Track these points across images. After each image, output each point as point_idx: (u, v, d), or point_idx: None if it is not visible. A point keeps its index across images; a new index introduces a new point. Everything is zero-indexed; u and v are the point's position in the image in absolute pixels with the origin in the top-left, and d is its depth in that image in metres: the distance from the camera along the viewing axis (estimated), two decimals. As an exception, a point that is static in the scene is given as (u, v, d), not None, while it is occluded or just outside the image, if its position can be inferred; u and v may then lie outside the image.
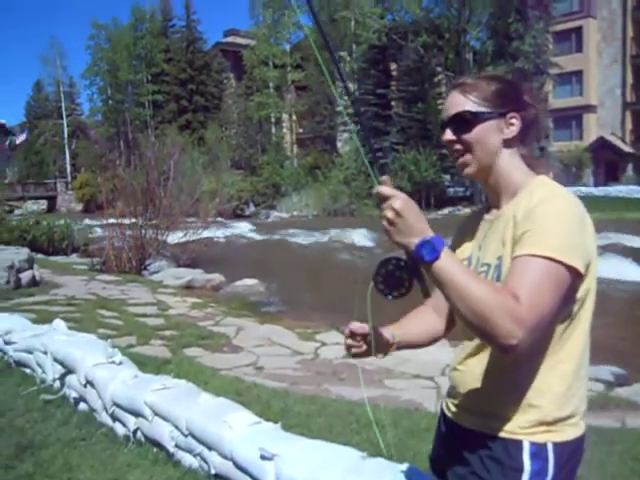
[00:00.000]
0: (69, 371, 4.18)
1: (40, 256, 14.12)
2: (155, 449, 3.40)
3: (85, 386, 3.95)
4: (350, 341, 1.44)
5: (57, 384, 4.30)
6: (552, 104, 35.09)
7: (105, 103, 58.05)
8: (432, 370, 5.36)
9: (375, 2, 39.07)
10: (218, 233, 22.10)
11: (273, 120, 48.72)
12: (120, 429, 3.66)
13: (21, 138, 63.18)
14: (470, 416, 1.40)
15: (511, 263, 1.25)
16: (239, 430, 2.99)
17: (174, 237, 15.12)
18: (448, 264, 1.16)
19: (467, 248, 1.50)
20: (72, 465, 3.22)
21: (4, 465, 3.20)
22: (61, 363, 4.25)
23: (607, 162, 38.62)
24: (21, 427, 3.73)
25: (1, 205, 23.19)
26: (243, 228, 28.32)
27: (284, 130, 49.05)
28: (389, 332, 1.51)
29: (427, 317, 1.62)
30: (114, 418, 3.70)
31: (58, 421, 3.82)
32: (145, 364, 4.95)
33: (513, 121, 1.39)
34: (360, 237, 20.91)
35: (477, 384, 1.38)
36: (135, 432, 3.55)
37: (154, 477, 3.08)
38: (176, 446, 3.28)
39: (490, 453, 1.32)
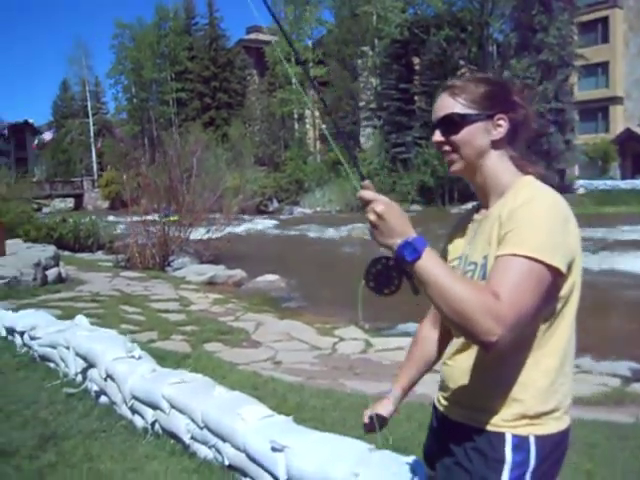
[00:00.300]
0: (90, 365, 4.31)
1: (66, 253, 14.41)
2: (172, 441, 3.51)
3: (105, 380, 4.07)
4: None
5: (79, 378, 4.44)
6: (577, 96, 34.61)
7: (130, 101, 58.81)
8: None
9: (396, -4, 38.85)
10: (241, 229, 22.26)
11: (296, 116, 48.80)
12: (139, 421, 3.77)
13: (48, 137, 64.17)
14: (459, 409, 1.44)
15: (494, 262, 1.28)
16: (252, 423, 3.07)
17: (197, 233, 15.30)
18: (429, 264, 1.19)
19: (459, 247, 1.54)
20: (93, 455, 3.34)
21: (28, 455, 3.33)
22: (83, 358, 4.39)
23: (634, 155, 37.87)
24: (45, 419, 3.87)
25: (29, 203, 23.57)
26: (266, 224, 28.50)
27: (307, 126, 49.09)
28: (387, 406, 1.70)
29: (423, 346, 1.72)
30: (133, 411, 3.82)
31: (80, 413, 3.95)
32: (165, 358, 5.07)
33: (501, 122, 1.41)
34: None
35: (465, 379, 1.42)
36: (153, 424, 3.65)
37: (170, 468, 3.18)
38: (192, 438, 3.38)
39: (474, 445, 1.36)
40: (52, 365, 4.91)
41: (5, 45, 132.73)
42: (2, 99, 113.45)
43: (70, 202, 51.77)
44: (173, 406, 3.50)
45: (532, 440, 1.32)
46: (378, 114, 41.77)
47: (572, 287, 1.34)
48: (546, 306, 1.29)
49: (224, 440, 3.14)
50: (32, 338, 5.17)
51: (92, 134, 60.50)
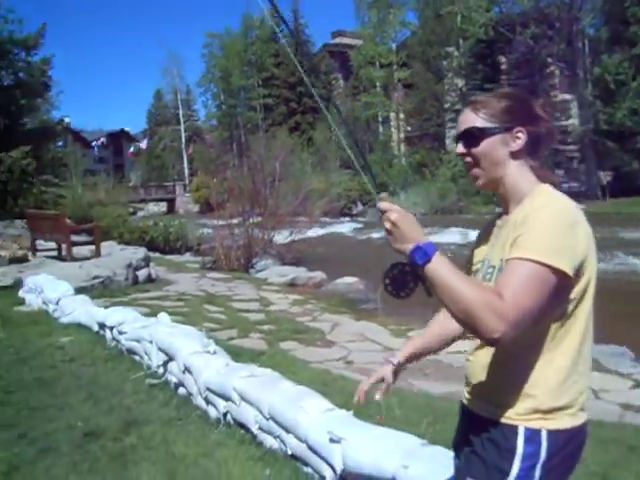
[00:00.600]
0: (170, 359, 4.65)
1: (157, 255, 15.12)
2: (242, 431, 3.75)
3: (183, 372, 4.39)
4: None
5: (160, 370, 4.79)
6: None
7: (219, 108, 60.66)
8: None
9: (480, -5, 38.09)
10: (323, 232, 22.53)
11: (380, 119, 48.77)
12: (212, 412, 4.04)
13: (144, 144, 67.27)
14: (479, 403, 1.55)
15: (504, 265, 1.39)
16: (314, 415, 3.26)
17: (280, 237, 15.64)
18: (439, 267, 1.32)
19: (482, 251, 1.65)
20: (169, 440, 3.64)
21: (113, 437, 3.70)
22: (164, 351, 4.73)
23: None
24: (128, 406, 4.24)
25: (126, 208, 24.81)
26: (349, 226, 28.65)
27: (392, 129, 48.94)
28: (389, 367, 1.82)
29: (442, 324, 1.82)
30: (207, 402, 4.10)
31: (160, 402, 4.30)
32: (241, 355, 5.34)
33: (519, 135, 1.52)
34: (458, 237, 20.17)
35: (484, 374, 1.52)
36: (225, 415, 3.91)
37: (238, 455, 3.42)
38: (259, 428, 3.60)
39: (490, 436, 1.46)
40: (137, 358, 5.31)
41: (105, 59, 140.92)
42: (102, 110, 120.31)
43: (163, 206, 53.91)
44: (243, 398, 3.74)
45: (544, 433, 1.41)
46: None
47: (584, 289, 1.41)
48: (553, 307, 1.37)
49: (287, 431, 3.34)
50: (120, 333, 5.60)
51: (183, 140, 62.87)
